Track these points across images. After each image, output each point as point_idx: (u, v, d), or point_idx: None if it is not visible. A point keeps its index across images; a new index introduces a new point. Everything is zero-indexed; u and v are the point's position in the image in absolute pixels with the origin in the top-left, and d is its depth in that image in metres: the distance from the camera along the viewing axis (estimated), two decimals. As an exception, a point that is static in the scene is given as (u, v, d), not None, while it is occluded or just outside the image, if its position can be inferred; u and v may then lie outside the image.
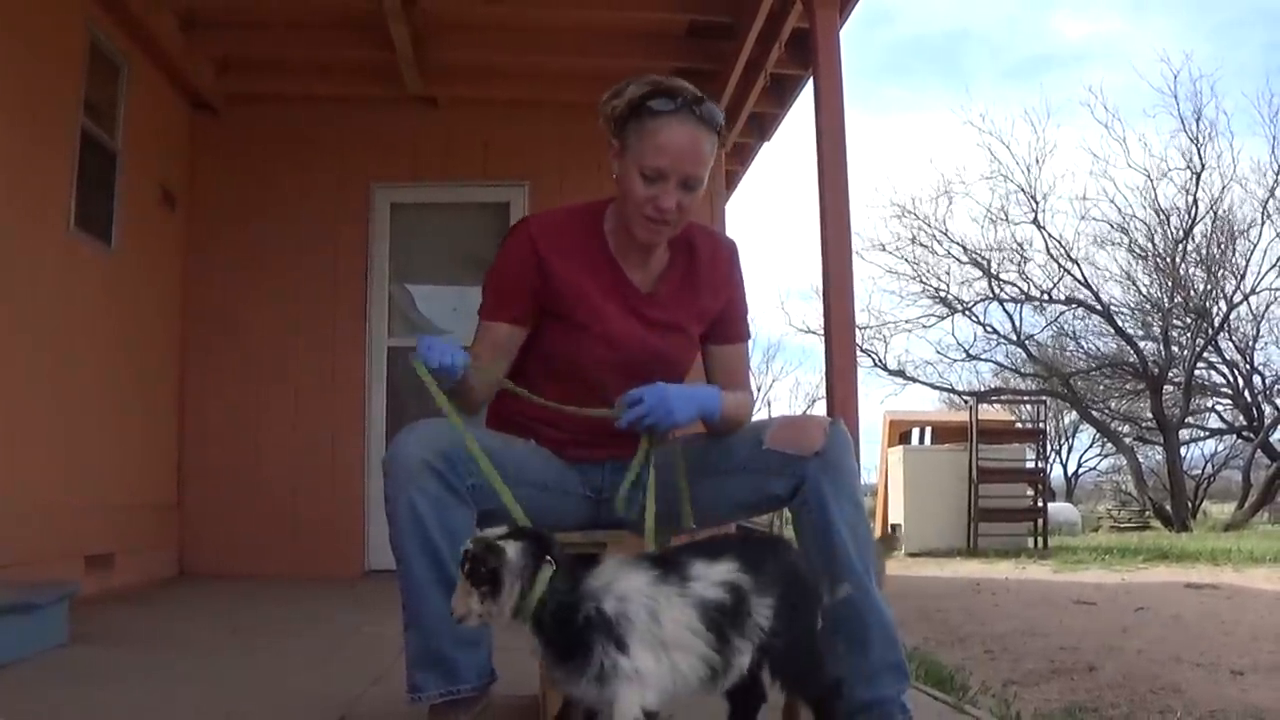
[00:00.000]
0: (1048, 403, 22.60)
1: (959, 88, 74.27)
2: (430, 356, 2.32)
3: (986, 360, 26.57)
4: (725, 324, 2.66)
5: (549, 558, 1.93)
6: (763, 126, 8.44)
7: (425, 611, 2.34)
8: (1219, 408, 25.64)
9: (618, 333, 2.53)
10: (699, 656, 1.89)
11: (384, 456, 2.37)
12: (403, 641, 2.42)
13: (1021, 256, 23.60)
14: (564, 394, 2.52)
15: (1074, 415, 30.21)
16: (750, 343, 2.78)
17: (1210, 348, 22.84)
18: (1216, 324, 22.36)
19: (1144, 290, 23.32)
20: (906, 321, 25.10)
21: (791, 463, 2.36)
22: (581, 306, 2.51)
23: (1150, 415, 24.13)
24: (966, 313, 24.60)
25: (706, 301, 2.61)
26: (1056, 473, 33.52)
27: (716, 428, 2.52)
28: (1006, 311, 24.61)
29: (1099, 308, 23.18)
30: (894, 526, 15.10)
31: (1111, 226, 23.04)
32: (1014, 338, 25.00)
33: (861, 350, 23.94)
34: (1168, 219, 22.47)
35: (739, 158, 9.08)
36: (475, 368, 2.41)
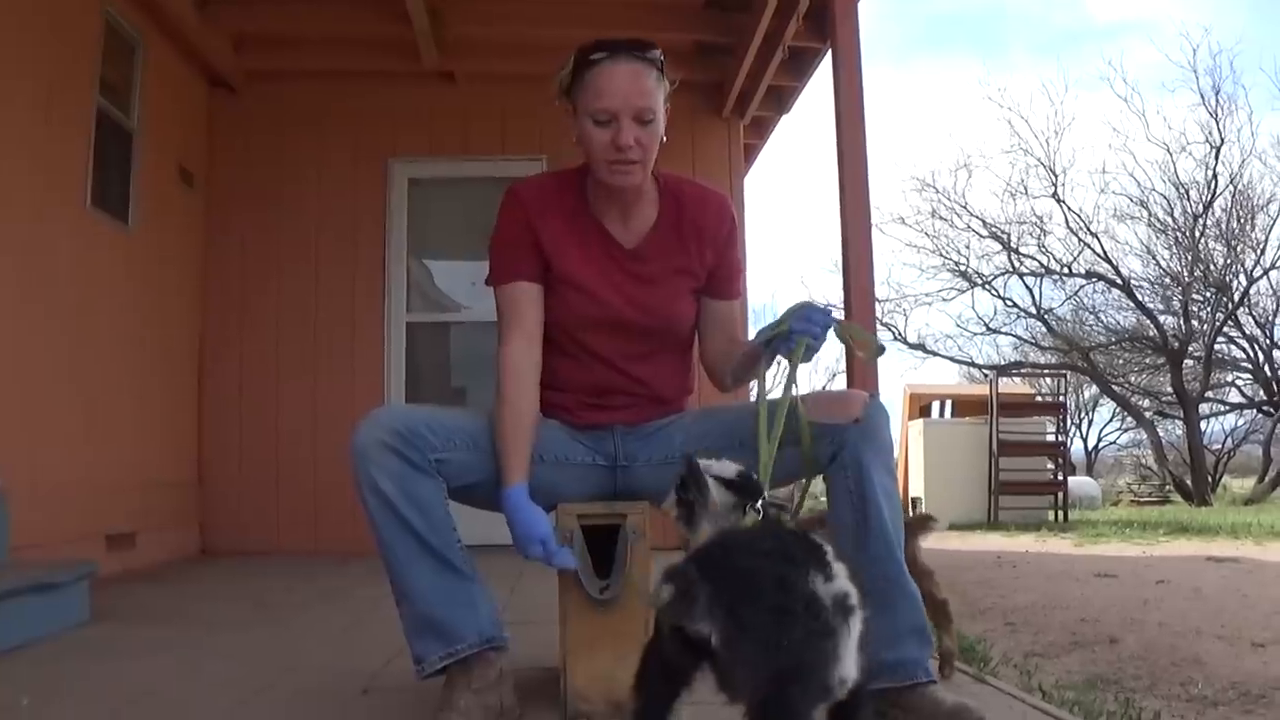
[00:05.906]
0: (1068, 376, 22.54)
1: (992, 61, 73.33)
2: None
3: (1006, 334, 26.59)
4: (721, 280, 2.64)
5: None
6: (781, 99, 8.38)
7: (412, 582, 2.39)
8: (1239, 382, 25.48)
9: (603, 290, 2.53)
10: None
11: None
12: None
13: (1041, 230, 23.58)
14: (564, 362, 2.56)
15: (1094, 389, 30.07)
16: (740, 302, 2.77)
17: (1230, 322, 22.69)
18: (1236, 298, 22.21)
19: (1164, 264, 23.19)
20: (926, 295, 25.20)
21: (831, 430, 2.36)
22: (566, 267, 2.53)
23: (1170, 389, 24.02)
24: (986, 286, 24.59)
25: (695, 254, 2.59)
26: (1077, 447, 33.47)
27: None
28: (1026, 285, 24.57)
29: (1119, 281, 23.07)
30: (914, 500, 15.10)
31: (1131, 200, 22.95)
32: (1034, 311, 24.97)
33: (881, 324, 23.91)
34: (1187, 193, 22.33)
35: (757, 131, 9.01)
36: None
